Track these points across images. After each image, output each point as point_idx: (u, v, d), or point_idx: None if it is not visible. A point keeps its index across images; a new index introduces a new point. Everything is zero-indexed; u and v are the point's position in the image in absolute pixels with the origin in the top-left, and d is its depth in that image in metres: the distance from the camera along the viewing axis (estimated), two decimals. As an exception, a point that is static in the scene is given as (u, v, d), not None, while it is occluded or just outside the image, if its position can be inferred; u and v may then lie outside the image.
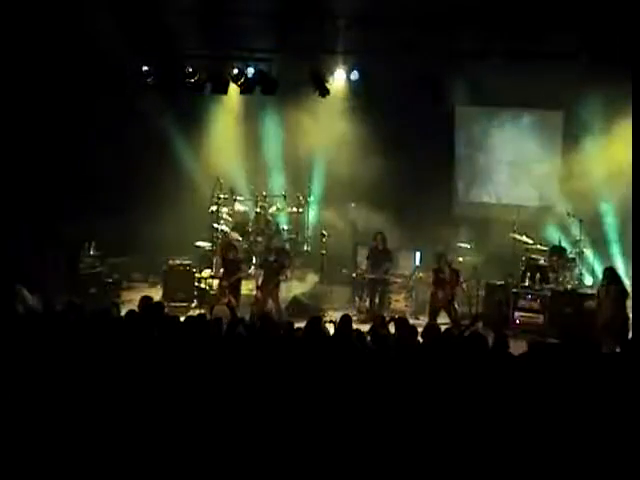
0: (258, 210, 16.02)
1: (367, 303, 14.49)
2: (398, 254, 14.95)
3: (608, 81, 12.98)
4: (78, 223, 14.25)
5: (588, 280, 14.40)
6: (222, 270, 13.94)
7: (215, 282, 14.34)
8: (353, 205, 15.84)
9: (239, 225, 15.90)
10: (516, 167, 16.08)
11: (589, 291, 13.64)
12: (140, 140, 15.85)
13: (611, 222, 14.57)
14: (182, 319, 9.09)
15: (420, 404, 6.61)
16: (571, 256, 14.15)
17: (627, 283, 12.57)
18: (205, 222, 15.61)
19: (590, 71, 13.35)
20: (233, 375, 7.13)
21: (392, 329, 9.38)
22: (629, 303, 12.10)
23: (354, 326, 9.30)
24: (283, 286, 13.95)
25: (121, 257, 16.00)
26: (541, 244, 14.48)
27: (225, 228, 15.34)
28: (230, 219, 15.89)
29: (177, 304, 14.35)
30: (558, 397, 6.70)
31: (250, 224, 15.95)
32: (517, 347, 8.46)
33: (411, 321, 10.43)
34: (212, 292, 14.29)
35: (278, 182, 16.59)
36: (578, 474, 6.05)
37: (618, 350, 9.20)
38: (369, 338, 8.57)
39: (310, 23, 13.99)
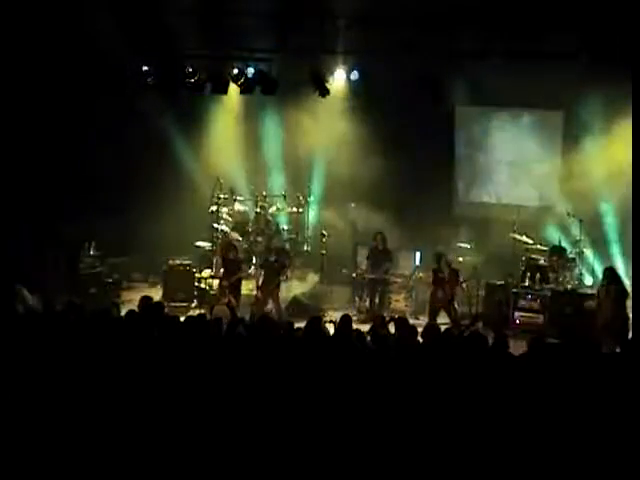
0: (258, 210, 16.02)
1: (367, 303, 14.49)
2: (398, 254, 14.95)
3: (608, 81, 12.98)
4: (78, 223, 14.25)
5: (588, 280, 14.39)
6: (222, 270, 13.95)
7: (215, 282, 14.35)
8: (353, 205, 15.84)
9: (239, 225, 15.90)
10: (516, 167, 16.08)
11: (589, 291, 13.64)
12: (140, 140, 15.85)
13: (611, 222, 14.57)
14: (182, 319, 9.10)
15: (420, 404, 6.61)
16: (571, 256, 14.15)
17: (627, 283, 12.57)
18: (205, 222, 15.61)
19: (590, 71, 13.35)
20: (233, 375, 7.13)
21: (392, 329, 9.38)
22: (629, 303, 12.10)
23: (354, 326, 9.30)
24: (283, 286, 13.95)
25: (121, 257, 16.00)
26: (541, 244, 14.47)
27: (225, 228, 15.33)
28: (230, 219, 15.88)
29: (177, 304, 14.35)
30: (558, 397, 6.70)
31: (250, 224, 15.95)
32: (517, 347, 8.46)
33: (411, 321, 10.43)
34: (212, 292, 14.30)
35: (278, 182, 16.59)
36: (578, 474, 6.05)
37: (618, 350, 9.20)
38: (369, 338, 8.57)
39: (310, 23, 13.99)
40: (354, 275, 15.09)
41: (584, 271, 14.40)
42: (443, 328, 9.31)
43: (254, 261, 15.15)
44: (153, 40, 14.33)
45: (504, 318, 13.46)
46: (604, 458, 6.07)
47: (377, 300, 14.46)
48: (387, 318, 10.46)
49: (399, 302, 14.69)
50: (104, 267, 14.89)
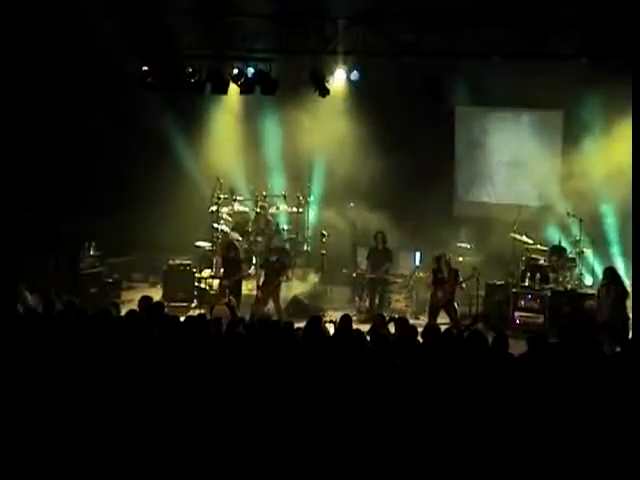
0: (258, 210, 16.03)
1: (367, 303, 14.50)
2: (398, 254, 14.95)
3: (608, 81, 12.99)
4: (78, 223, 14.25)
5: (588, 280, 14.39)
6: (222, 270, 13.96)
7: (215, 282, 14.35)
8: (351, 205, 15.82)
9: (239, 225, 15.90)
10: (516, 167, 16.06)
11: (589, 291, 13.65)
12: (140, 140, 15.86)
13: (611, 222, 14.56)
14: (182, 319, 9.11)
15: (420, 404, 6.61)
16: (571, 256, 14.15)
17: (627, 283, 12.57)
18: (205, 222, 15.60)
19: (590, 71, 13.36)
20: (233, 375, 7.13)
21: (392, 329, 9.38)
22: (629, 303, 12.11)
23: (354, 326, 9.31)
24: (283, 286, 13.96)
25: (121, 257, 16.03)
26: (541, 244, 14.47)
27: (225, 228, 15.33)
28: (230, 219, 15.89)
29: (177, 304, 14.36)
30: (558, 397, 6.70)
31: (250, 224, 15.96)
32: (517, 347, 8.46)
33: (411, 321, 10.45)
34: (212, 292, 14.30)
35: (278, 182, 16.58)
36: (578, 473, 6.05)
37: (618, 350, 9.21)
38: (369, 338, 8.57)
39: (310, 23, 13.97)
40: (354, 275, 15.09)
41: (584, 271, 14.39)
42: (443, 328, 9.32)
43: (254, 261, 15.15)
44: (153, 40, 14.31)
45: (504, 318, 13.46)
46: (604, 458, 6.07)
47: (377, 300, 14.47)
48: (387, 318, 10.47)
49: (399, 302, 14.69)
50: (104, 267, 14.91)
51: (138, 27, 14.04)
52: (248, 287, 14.56)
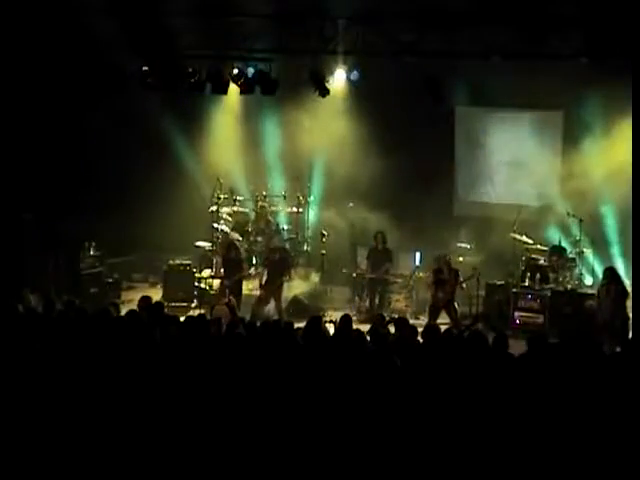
0: (258, 210, 16.04)
1: (367, 303, 14.50)
2: (398, 254, 14.95)
3: (608, 81, 12.99)
4: (78, 223, 14.25)
5: (588, 280, 14.39)
6: (223, 270, 13.96)
7: (215, 282, 14.36)
8: (351, 205, 15.82)
9: (239, 225, 15.91)
10: (516, 167, 16.05)
11: (589, 291, 13.65)
12: (140, 140, 15.86)
13: (611, 222, 14.57)
14: (182, 319, 9.11)
15: (420, 404, 6.61)
16: (571, 256, 14.15)
17: (627, 283, 12.57)
18: (205, 222, 15.60)
19: (590, 71, 13.35)
20: (233, 375, 7.13)
21: (392, 329, 9.38)
22: (629, 303, 12.10)
23: (354, 326, 9.30)
24: (284, 286, 13.94)
25: (121, 257, 16.03)
26: (541, 244, 14.47)
27: (225, 228, 15.33)
28: (230, 219, 15.89)
29: (177, 304, 14.36)
30: (558, 397, 6.70)
31: (250, 224, 15.97)
32: (517, 347, 8.46)
33: (411, 321, 10.45)
34: (212, 292, 14.30)
35: (278, 182, 16.59)
36: (578, 473, 6.05)
37: (618, 350, 9.21)
38: (369, 338, 8.57)
39: (310, 23, 13.97)
40: (354, 275, 15.09)
41: (584, 271, 14.39)
42: (443, 328, 9.32)
43: (254, 261, 15.16)
44: (153, 40, 14.30)
45: (504, 318, 13.46)
46: (604, 457, 6.07)
47: (377, 300, 14.47)
48: (387, 318, 10.47)
49: (399, 302, 14.70)
50: (104, 267, 14.92)
51: (138, 27, 14.04)
52: (248, 287, 14.56)
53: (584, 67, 13.37)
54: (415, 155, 15.34)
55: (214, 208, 15.48)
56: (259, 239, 15.69)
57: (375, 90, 15.08)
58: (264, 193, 16.17)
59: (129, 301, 13.73)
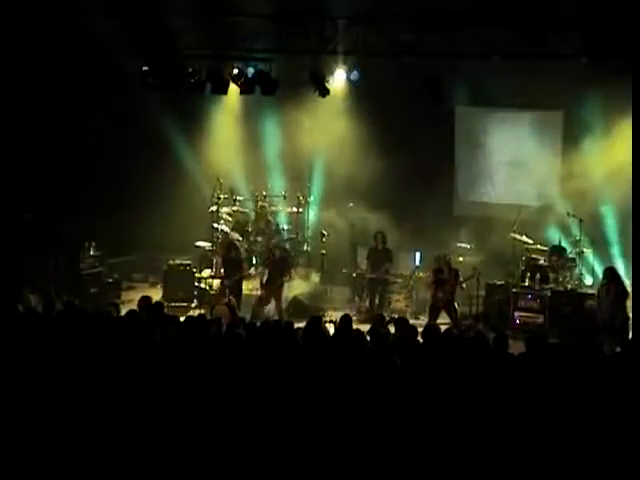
0: (258, 210, 16.04)
1: (367, 303, 14.50)
2: (398, 254, 14.95)
3: (608, 81, 12.99)
4: (78, 223, 14.25)
5: (588, 280, 14.38)
6: (223, 270, 13.96)
7: (215, 282, 14.36)
8: (351, 205, 15.82)
9: (239, 225, 15.91)
10: (516, 167, 16.04)
11: (589, 291, 13.64)
12: (140, 140, 15.86)
13: (611, 222, 14.56)
14: (182, 319, 9.11)
15: (420, 404, 6.61)
16: (571, 256, 14.14)
17: (627, 283, 12.57)
18: (205, 222, 15.60)
19: (590, 71, 13.35)
20: (233, 375, 7.13)
21: (392, 329, 9.38)
22: (629, 303, 12.10)
23: (354, 326, 9.31)
24: (284, 286, 13.94)
25: (121, 257, 16.03)
26: (541, 244, 14.47)
27: (225, 228, 15.33)
28: (230, 219, 15.90)
29: (177, 304, 14.36)
30: (558, 397, 6.70)
31: (250, 224, 15.97)
32: (517, 347, 8.46)
33: (411, 321, 10.45)
34: (212, 292, 14.30)
35: (278, 182, 16.59)
36: (578, 473, 6.05)
37: (618, 350, 9.21)
38: (369, 338, 8.57)
39: (310, 23, 13.97)
40: (354, 275, 15.09)
41: (584, 271, 14.39)
42: (443, 328, 9.32)
43: (254, 261, 15.16)
44: (153, 40, 14.30)
45: (504, 318, 13.46)
46: (604, 457, 6.07)
47: (377, 300, 14.47)
48: (387, 318, 10.47)
49: (399, 302, 14.70)
50: (104, 267, 14.92)
51: (138, 27, 14.03)
52: (248, 287, 14.57)
53: (584, 67, 13.37)
54: (415, 155, 15.33)
55: (214, 208, 15.48)
56: (259, 239, 15.69)
57: (375, 90, 15.08)
58: (264, 193, 16.18)
59: (129, 301, 13.73)
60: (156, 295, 13.80)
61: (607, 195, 14.43)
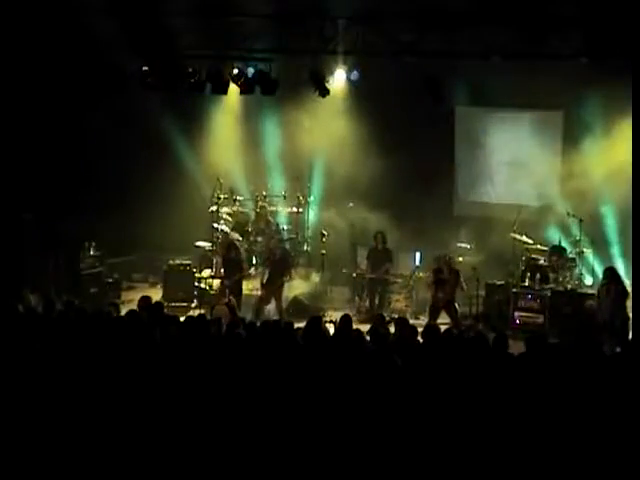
0: (258, 210, 16.05)
1: (367, 303, 14.50)
2: (398, 254, 14.94)
3: (608, 81, 12.99)
4: (78, 223, 14.25)
5: (588, 280, 14.38)
6: (223, 270, 13.96)
7: (215, 282, 14.35)
8: (351, 205, 15.82)
9: (239, 225, 15.91)
10: (516, 167, 16.03)
11: (589, 291, 13.64)
12: (140, 140, 15.86)
13: (611, 222, 14.57)
14: (182, 319, 9.11)
15: (420, 404, 6.61)
16: (571, 256, 14.14)
17: (627, 283, 12.57)
18: (205, 222, 15.60)
19: (590, 71, 13.35)
20: (233, 375, 7.13)
21: (392, 329, 9.38)
22: (629, 303, 12.10)
23: (354, 326, 9.31)
24: (285, 286, 13.94)
25: (121, 257, 16.03)
26: (541, 244, 14.47)
27: (225, 228, 15.33)
28: (230, 219, 15.90)
29: (177, 304, 14.36)
30: (558, 397, 6.70)
31: (250, 224, 15.97)
32: (517, 347, 8.46)
33: (411, 321, 10.45)
34: (212, 292, 14.30)
35: (278, 182, 16.59)
36: (578, 473, 6.05)
37: (618, 350, 9.21)
38: (369, 338, 8.57)
39: (310, 23, 13.97)
40: (354, 275, 15.09)
41: (584, 271, 14.39)
42: (443, 328, 9.32)
43: (254, 261, 15.17)
44: (153, 40, 14.30)
45: (504, 318, 13.46)
46: (604, 457, 6.07)
47: (377, 300, 14.47)
48: (387, 318, 10.47)
49: (399, 302, 14.70)
50: (104, 267, 14.92)
51: (138, 27, 14.03)
52: (248, 287, 14.56)
53: (584, 67, 13.37)
54: (415, 155, 15.33)
55: (214, 208, 15.48)
56: (259, 239, 15.69)
57: (375, 90, 15.08)
58: (264, 193, 16.18)
59: (129, 301, 13.73)
60: (156, 295, 13.80)
61: (607, 195, 14.43)
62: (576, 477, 6.06)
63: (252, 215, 16.21)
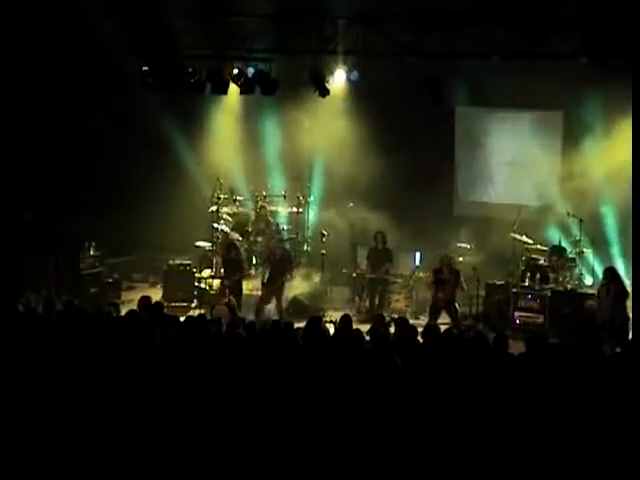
0: (258, 210, 16.05)
1: (367, 303, 14.50)
2: (398, 254, 14.94)
3: (608, 81, 12.99)
4: (78, 223, 14.25)
5: (588, 280, 14.38)
6: (223, 270, 13.96)
7: (215, 282, 14.36)
8: (351, 205, 15.82)
9: (239, 225, 15.92)
10: (516, 167, 16.04)
11: (589, 291, 13.64)
12: (140, 140, 15.86)
13: (611, 222, 14.56)
14: (182, 319, 9.11)
15: (420, 404, 6.61)
16: (571, 256, 14.15)
17: (627, 283, 12.57)
18: (205, 222, 15.61)
19: (590, 71, 13.36)
20: (233, 375, 7.13)
21: (392, 329, 9.38)
22: (629, 303, 12.10)
23: (354, 326, 9.31)
24: (285, 286, 13.95)
25: (121, 257, 16.03)
26: (541, 244, 14.47)
27: (225, 228, 15.33)
28: (230, 219, 15.90)
29: (177, 304, 14.36)
30: (558, 397, 6.70)
31: (250, 224, 15.97)
32: (517, 347, 8.46)
33: (411, 321, 10.46)
34: (212, 292, 14.30)
35: (278, 182, 16.59)
36: (578, 473, 6.05)
37: (618, 350, 9.21)
38: (369, 338, 8.57)
39: (310, 23, 13.97)
40: (354, 275, 15.09)
41: (584, 271, 14.39)
42: (443, 328, 9.32)
43: (254, 261, 15.17)
44: (153, 40, 14.30)
45: (504, 318, 13.46)
46: (604, 457, 6.07)
47: (377, 300, 14.47)
48: (387, 318, 10.47)
49: (399, 302, 14.70)
50: (104, 267, 14.92)
51: (138, 27, 14.04)
52: (248, 287, 14.57)
53: (584, 67, 13.37)
54: (415, 155, 15.33)
55: (214, 208, 15.48)
56: (259, 239, 15.69)
57: (375, 90, 15.07)
58: (264, 193, 16.18)
59: (129, 301, 13.73)
60: (156, 295, 13.81)
61: (607, 195, 14.43)
62: (576, 477, 6.06)
63: (252, 215, 16.21)
